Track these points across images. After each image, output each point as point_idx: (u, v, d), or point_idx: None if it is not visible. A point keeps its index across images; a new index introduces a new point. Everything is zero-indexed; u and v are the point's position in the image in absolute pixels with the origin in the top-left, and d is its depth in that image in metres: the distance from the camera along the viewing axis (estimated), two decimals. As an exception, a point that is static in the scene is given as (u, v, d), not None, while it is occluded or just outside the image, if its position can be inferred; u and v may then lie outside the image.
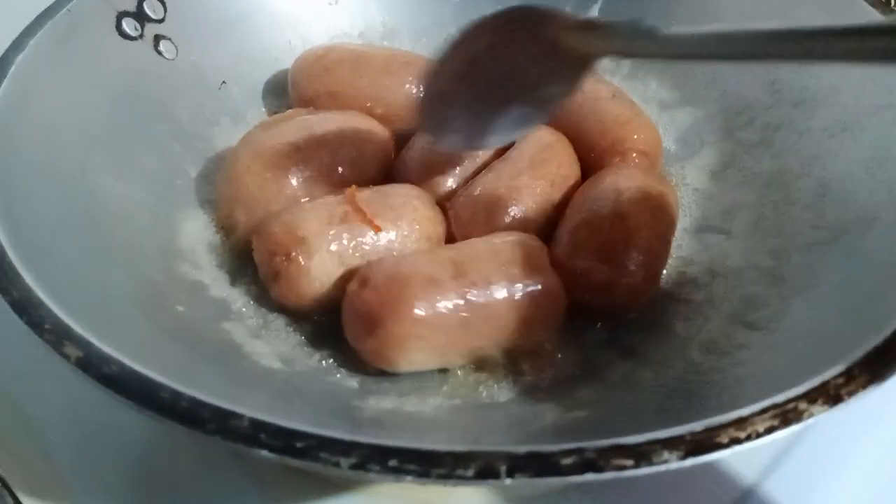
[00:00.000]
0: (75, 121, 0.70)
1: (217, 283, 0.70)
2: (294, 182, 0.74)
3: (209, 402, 0.44)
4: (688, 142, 0.86)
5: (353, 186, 0.72)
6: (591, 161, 0.81)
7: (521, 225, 0.72)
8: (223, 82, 0.87)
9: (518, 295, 0.63)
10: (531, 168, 0.76)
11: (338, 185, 0.74)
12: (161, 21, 0.83)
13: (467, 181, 0.78)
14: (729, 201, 0.79)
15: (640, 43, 0.57)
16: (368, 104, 0.84)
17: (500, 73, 0.67)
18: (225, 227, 0.75)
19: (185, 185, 0.78)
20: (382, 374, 0.64)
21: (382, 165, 0.82)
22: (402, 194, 0.73)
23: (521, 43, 0.65)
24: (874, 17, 0.76)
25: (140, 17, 0.81)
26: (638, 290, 0.69)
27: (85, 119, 0.71)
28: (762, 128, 0.81)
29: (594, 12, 0.95)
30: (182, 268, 0.69)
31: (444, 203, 0.77)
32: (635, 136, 0.80)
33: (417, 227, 0.71)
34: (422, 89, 0.71)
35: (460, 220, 0.74)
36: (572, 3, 0.95)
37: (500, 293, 0.63)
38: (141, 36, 0.81)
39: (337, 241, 0.67)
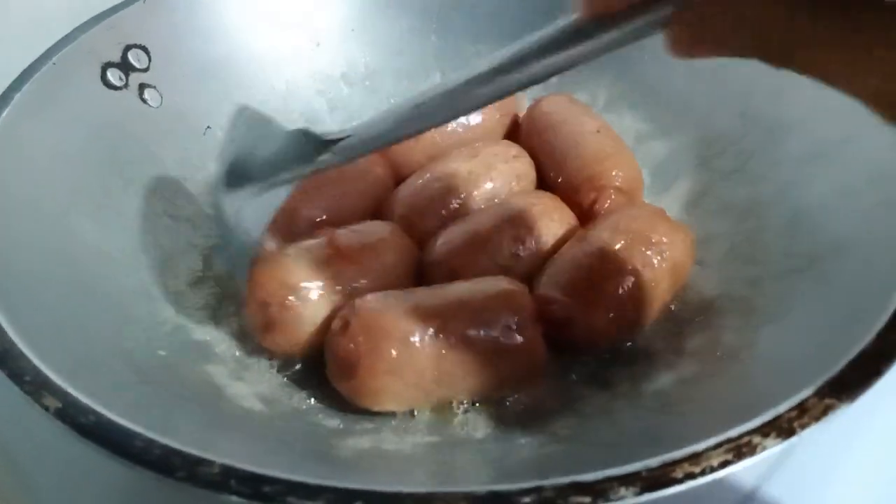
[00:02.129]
0: (59, 169, 0.73)
1: (200, 326, 0.72)
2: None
3: (180, 450, 0.45)
4: (663, 173, 0.88)
5: (332, 230, 0.73)
6: (570, 197, 0.82)
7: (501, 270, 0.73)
8: (208, 127, 0.89)
9: (495, 355, 0.64)
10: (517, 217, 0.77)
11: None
12: (146, 70, 0.85)
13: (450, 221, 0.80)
14: (704, 231, 0.79)
15: None
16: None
17: None
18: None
19: (170, 227, 0.79)
20: (362, 413, 0.65)
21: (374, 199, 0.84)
22: (375, 232, 0.76)
23: None
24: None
25: (125, 67, 0.84)
26: (598, 329, 0.69)
27: (69, 166, 0.74)
28: (735, 156, 0.82)
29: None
30: (165, 311, 0.71)
31: (425, 240, 0.78)
32: (613, 173, 0.81)
33: (394, 258, 0.74)
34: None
35: (438, 260, 0.75)
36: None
37: (477, 353, 0.63)
38: (126, 85, 0.83)
39: (326, 285, 0.69)
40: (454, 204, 0.81)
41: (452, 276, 0.72)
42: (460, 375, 0.64)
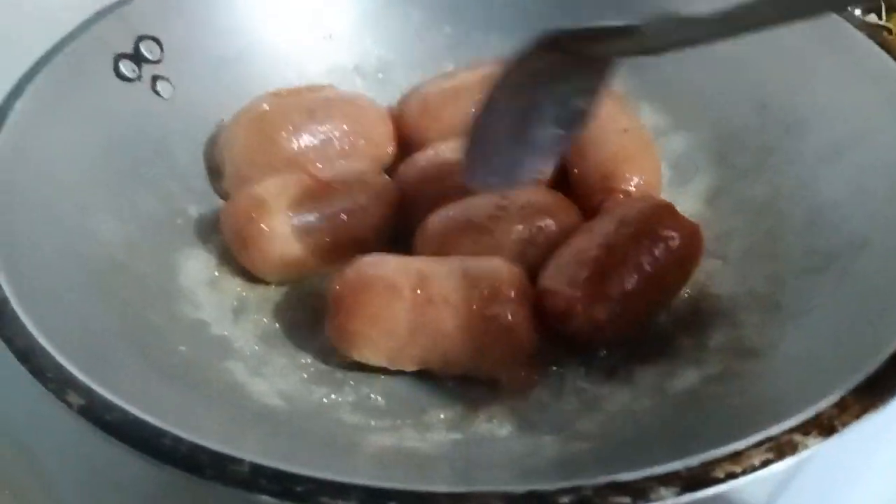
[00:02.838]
0: (75, 164, 0.72)
1: (218, 322, 0.71)
2: (285, 153, 0.80)
3: (208, 447, 0.44)
4: (682, 167, 0.87)
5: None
6: (582, 193, 0.81)
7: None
8: (221, 120, 0.88)
9: (475, 326, 0.65)
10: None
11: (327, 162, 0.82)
12: (158, 62, 0.84)
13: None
14: (724, 227, 0.79)
15: (652, 34, 0.57)
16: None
17: (534, 97, 0.66)
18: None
19: (185, 224, 0.78)
20: (383, 410, 0.65)
21: (376, 149, 0.86)
22: (353, 166, 0.80)
23: (551, 64, 0.63)
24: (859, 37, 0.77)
25: (137, 58, 0.82)
26: (600, 323, 0.67)
27: (84, 161, 0.73)
28: (755, 152, 0.82)
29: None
30: (183, 308, 0.70)
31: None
32: (627, 175, 0.78)
33: (370, 189, 0.78)
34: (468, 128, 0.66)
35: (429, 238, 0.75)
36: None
37: (457, 320, 0.65)
38: (138, 77, 0.82)
39: (295, 204, 0.74)
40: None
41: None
42: (437, 338, 0.65)
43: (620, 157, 0.80)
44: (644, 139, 0.84)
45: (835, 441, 0.45)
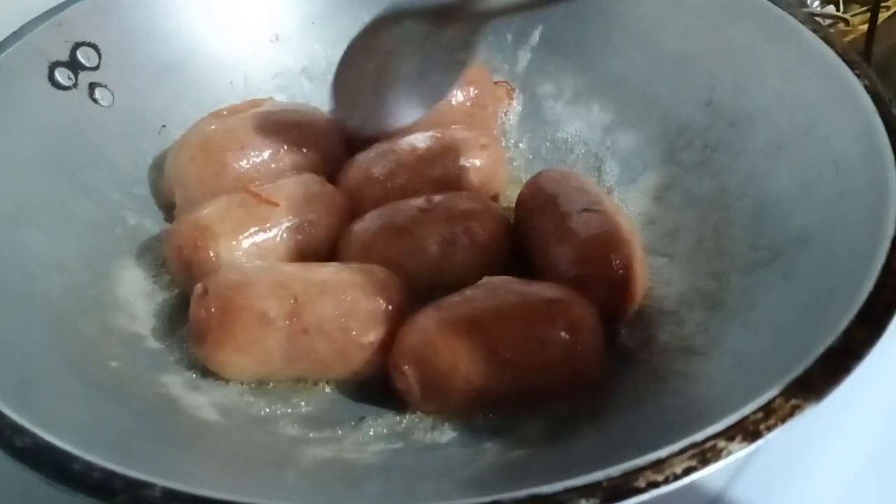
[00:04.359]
0: (7, 175, 0.70)
1: (155, 334, 0.69)
2: (235, 173, 0.78)
3: (121, 473, 0.43)
4: (631, 165, 0.86)
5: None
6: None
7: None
8: (163, 126, 0.86)
9: (347, 350, 0.64)
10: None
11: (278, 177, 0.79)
12: (96, 68, 0.82)
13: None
14: (671, 224, 0.79)
15: None
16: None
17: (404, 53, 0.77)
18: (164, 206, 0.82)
19: (123, 233, 0.77)
20: (322, 420, 0.63)
21: (324, 157, 0.84)
22: (297, 179, 0.78)
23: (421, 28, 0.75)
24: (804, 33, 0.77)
25: (74, 66, 0.81)
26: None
27: (17, 172, 0.71)
28: (701, 148, 0.82)
29: (535, 39, 0.95)
30: (118, 320, 0.68)
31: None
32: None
33: (316, 202, 0.76)
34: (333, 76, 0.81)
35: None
36: (513, 28, 0.96)
37: (328, 348, 0.64)
38: (75, 85, 0.80)
39: (239, 225, 0.72)
40: (400, 181, 0.79)
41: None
42: (311, 361, 0.65)
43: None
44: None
45: (793, 422, 0.45)
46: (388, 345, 0.64)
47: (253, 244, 0.72)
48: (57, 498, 0.44)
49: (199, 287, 0.66)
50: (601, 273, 0.68)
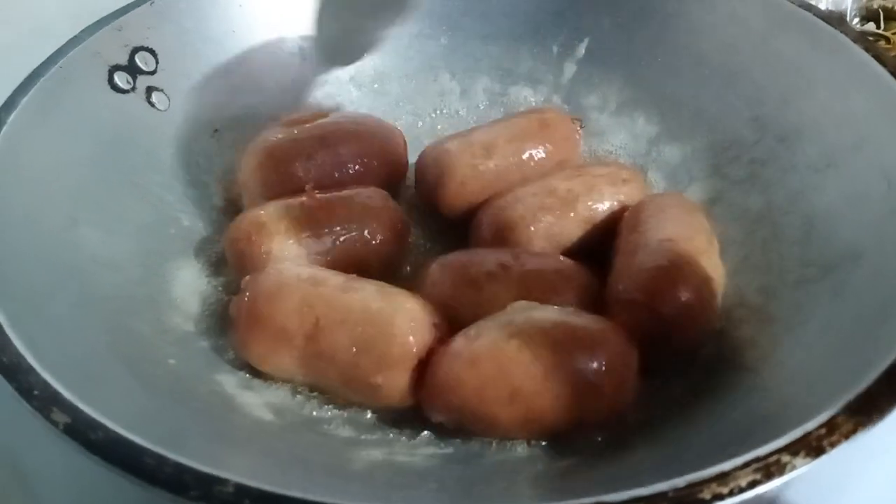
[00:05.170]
0: (66, 175, 0.72)
1: (209, 333, 0.70)
2: (300, 181, 0.78)
3: (193, 468, 0.44)
4: (676, 178, 0.87)
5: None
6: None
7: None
8: (216, 130, 0.88)
9: (355, 383, 0.64)
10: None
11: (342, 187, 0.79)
12: (153, 73, 0.84)
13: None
14: (719, 238, 0.78)
15: None
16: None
17: None
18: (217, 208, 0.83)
19: (178, 234, 0.78)
20: (373, 423, 0.64)
21: (389, 168, 0.85)
22: (362, 192, 0.78)
23: None
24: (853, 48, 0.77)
25: (132, 70, 0.82)
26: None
27: (76, 173, 0.73)
28: (749, 163, 0.82)
29: (581, 51, 0.96)
30: (173, 319, 0.70)
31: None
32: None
33: (375, 215, 0.76)
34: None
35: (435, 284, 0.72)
36: (560, 40, 0.97)
37: (338, 376, 0.64)
38: (133, 89, 0.82)
39: (295, 227, 0.72)
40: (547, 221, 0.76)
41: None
42: (325, 385, 0.66)
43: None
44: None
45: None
46: (400, 388, 0.63)
47: (305, 247, 0.72)
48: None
49: (244, 281, 0.68)
50: (650, 304, 0.65)
